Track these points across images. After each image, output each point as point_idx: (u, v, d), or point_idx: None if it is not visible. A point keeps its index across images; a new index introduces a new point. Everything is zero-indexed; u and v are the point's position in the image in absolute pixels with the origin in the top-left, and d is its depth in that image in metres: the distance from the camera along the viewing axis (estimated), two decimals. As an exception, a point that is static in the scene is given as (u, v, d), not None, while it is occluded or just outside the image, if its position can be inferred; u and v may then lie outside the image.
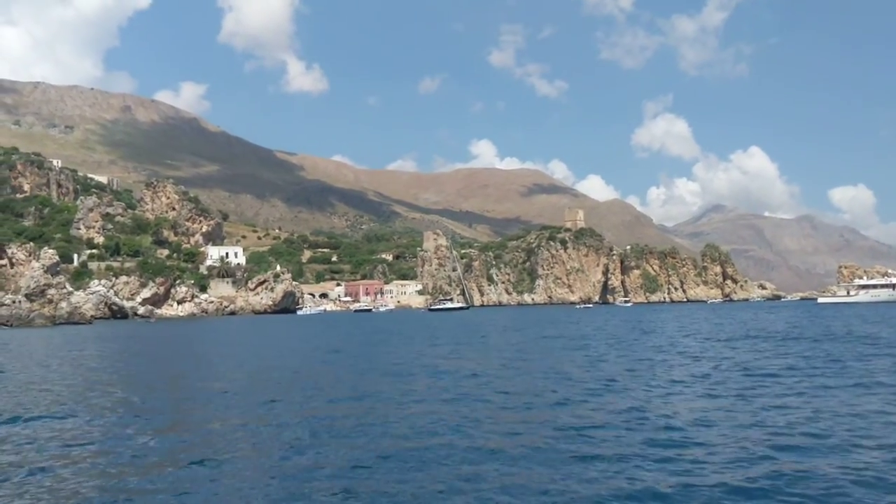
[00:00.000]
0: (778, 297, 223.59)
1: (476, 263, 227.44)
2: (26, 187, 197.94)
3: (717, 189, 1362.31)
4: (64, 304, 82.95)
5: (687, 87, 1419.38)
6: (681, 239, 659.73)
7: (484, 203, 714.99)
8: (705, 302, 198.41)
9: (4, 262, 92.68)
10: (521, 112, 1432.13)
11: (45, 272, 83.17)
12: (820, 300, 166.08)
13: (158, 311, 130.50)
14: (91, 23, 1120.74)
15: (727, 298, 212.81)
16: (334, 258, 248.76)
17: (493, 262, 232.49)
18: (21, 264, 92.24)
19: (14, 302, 78.54)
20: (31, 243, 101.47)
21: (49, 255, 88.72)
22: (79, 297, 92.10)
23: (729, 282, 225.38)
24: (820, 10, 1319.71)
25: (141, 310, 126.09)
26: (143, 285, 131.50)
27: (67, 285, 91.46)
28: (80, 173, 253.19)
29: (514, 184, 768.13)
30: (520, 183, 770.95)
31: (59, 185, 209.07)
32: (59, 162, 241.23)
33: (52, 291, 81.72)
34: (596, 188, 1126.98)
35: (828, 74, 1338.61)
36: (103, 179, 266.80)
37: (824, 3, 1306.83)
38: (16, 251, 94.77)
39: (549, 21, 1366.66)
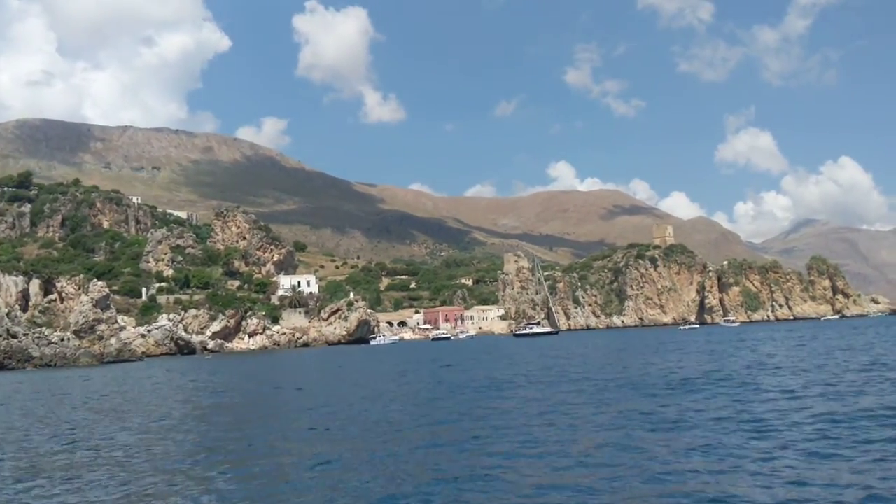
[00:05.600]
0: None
1: (560, 285, 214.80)
2: (105, 224, 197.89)
3: (809, 202, 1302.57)
4: (113, 341, 76.53)
5: (770, 99, 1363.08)
6: (771, 256, 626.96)
7: (564, 226, 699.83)
8: (818, 319, 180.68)
9: (54, 296, 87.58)
10: (599, 131, 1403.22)
11: (95, 306, 77.32)
12: None
13: (229, 345, 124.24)
14: (174, 66, 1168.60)
15: (839, 315, 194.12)
16: (413, 285, 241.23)
17: (579, 284, 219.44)
18: (70, 299, 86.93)
19: (63, 339, 72.59)
20: (82, 276, 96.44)
21: (98, 287, 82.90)
22: (129, 332, 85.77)
23: (840, 296, 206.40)
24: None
25: (210, 344, 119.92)
26: (213, 318, 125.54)
27: (119, 320, 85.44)
28: (160, 210, 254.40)
29: (595, 205, 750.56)
30: (600, 205, 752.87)
31: (138, 221, 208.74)
32: (139, 198, 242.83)
33: (101, 327, 75.65)
34: (680, 206, 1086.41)
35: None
36: (182, 215, 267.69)
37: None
38: (65, 285, 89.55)
39: (625, 38, 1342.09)
